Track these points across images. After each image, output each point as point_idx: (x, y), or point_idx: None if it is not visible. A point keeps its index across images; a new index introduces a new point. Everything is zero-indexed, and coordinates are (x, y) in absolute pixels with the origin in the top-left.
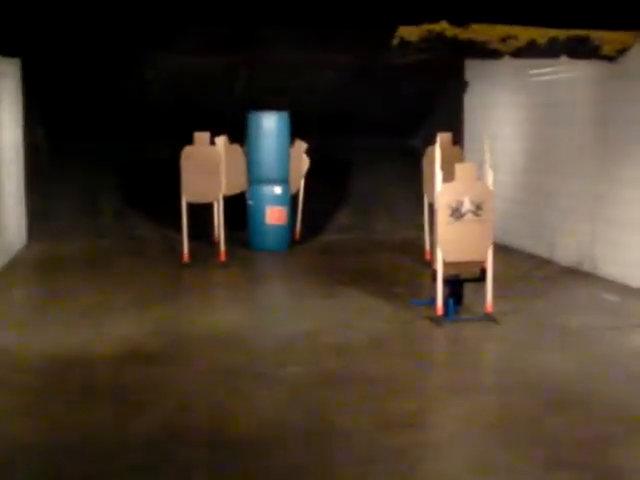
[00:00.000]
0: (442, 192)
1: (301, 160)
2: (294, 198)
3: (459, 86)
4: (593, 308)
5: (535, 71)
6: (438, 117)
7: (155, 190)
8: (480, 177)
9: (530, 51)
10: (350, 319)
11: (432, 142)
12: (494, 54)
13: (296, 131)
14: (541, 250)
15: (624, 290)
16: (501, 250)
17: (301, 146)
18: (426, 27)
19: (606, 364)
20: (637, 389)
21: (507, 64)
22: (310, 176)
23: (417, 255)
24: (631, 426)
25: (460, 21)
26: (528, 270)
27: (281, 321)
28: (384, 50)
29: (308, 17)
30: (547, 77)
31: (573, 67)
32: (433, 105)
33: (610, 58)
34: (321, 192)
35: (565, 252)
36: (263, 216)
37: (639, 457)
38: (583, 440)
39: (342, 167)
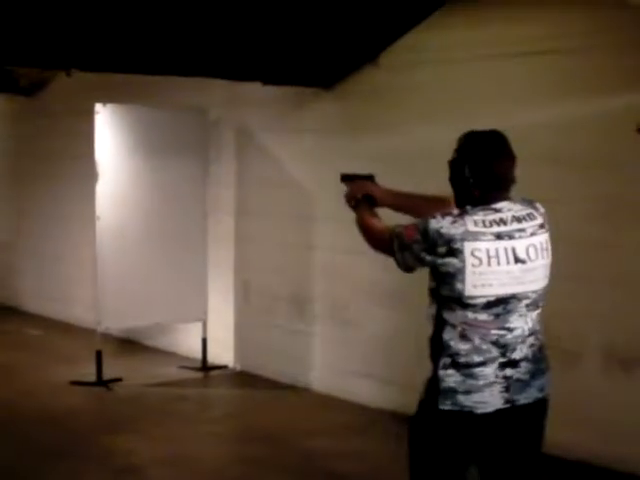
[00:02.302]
0: None
1: None
2: None
3: None
4: (17, 342)
5: None
6: None
7: None
8: None
9: None
10: None
11: None
12: None
13: None
14: None
15: (47, 324)
16: None
17: None
18: None
19: (26, 398)
20: (49, 422)
21: None
22: None
23: None
24: (42, 459)
25: None
26: None
27: None
28: None
29: None
30: None
31: None
32: None
33: (27, 92)
34: None
35: None
36: None
37: None
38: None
39: None
